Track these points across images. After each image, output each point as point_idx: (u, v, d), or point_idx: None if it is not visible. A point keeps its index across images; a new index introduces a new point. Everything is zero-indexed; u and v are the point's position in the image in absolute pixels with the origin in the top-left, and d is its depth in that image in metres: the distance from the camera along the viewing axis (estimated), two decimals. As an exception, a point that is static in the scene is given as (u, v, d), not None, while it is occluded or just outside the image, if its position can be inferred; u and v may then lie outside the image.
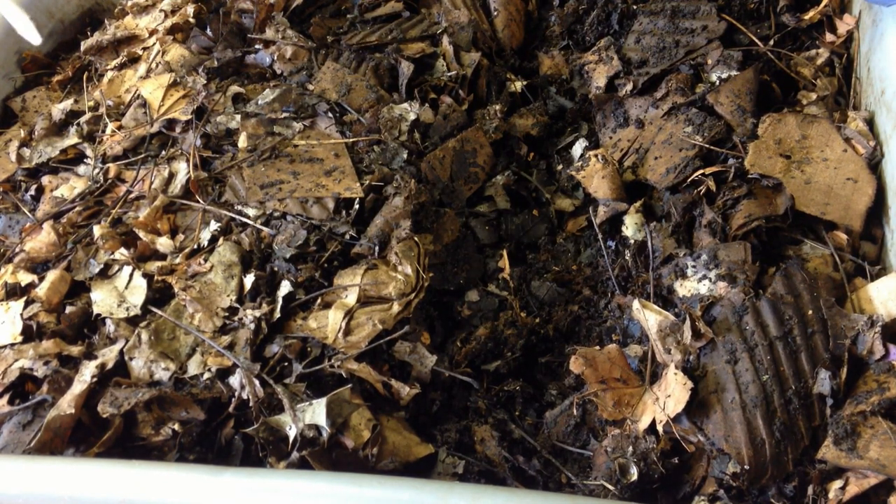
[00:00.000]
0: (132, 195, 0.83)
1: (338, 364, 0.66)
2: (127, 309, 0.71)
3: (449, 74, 0.93)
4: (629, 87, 0.90)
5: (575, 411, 0.66)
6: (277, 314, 0.69)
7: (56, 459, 0.60)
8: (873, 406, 0.57)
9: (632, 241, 0.77)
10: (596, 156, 0.82)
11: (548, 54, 1.01)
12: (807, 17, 0.90)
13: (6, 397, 0.66)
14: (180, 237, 0.78)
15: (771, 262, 0.70)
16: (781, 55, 0.89)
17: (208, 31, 1.02)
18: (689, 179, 0.76)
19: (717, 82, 0.85)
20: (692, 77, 0.88)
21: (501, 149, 0.91)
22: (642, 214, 0.78)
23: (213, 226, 0.77)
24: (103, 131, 0.92)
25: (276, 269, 0.73)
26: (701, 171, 0.76)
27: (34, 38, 1.02)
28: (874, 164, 0.75)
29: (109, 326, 0.70)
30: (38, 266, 0.78)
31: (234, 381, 0.66)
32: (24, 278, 0.76)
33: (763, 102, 0.84)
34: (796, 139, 0.78)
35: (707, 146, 0.77)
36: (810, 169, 0.75)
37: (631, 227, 0.78)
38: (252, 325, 0.68)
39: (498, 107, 0.92)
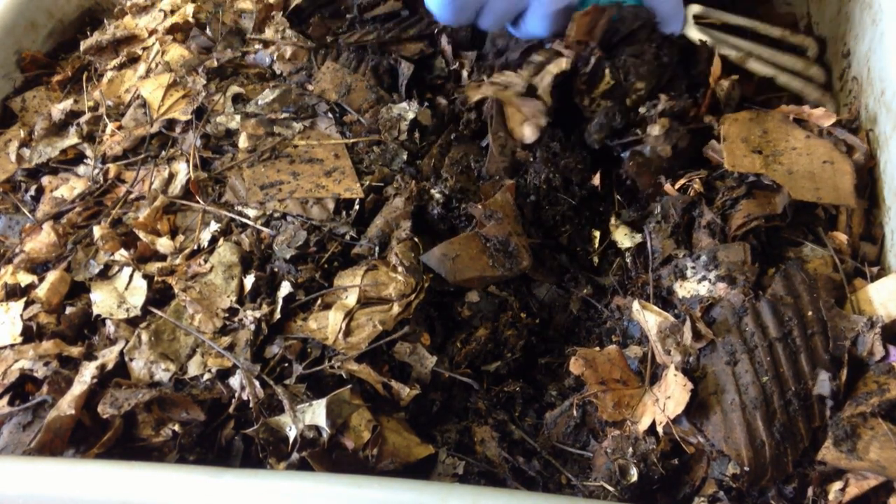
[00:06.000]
0: (132, 196, 0.83)
1: (338, 365, 0.66)
2: (127, 310, 0.71)
3: (446, 74, 0.93)
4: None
5: (575, 412, 0.66)
6: (277, 315, 0.69)
7: (56, 460, 0.60)
8: (873, 407, 0.57)
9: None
10: None
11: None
12: None
13: (6, 398, 0.66)
14: (180, 238, 0.78)
15: (771, 264, 0.70)
16: None
17: (208, 31, 1.02)
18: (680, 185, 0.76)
19: None
20: None
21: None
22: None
23: (213, 226, 0.77)
24: (103, 131, 0.92)
25: (276, 269, 0.73)
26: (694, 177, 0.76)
27: None
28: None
29: (109, 327, 0.70)
30: (38, 267, 0.78)
31: (235, 381, 0.66)
32: (24, 279, 0.76)
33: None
34: (759, 134, 0.77)
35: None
36: (786, 159, 0.75)
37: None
38: (252, 326, 0.68)
39: None
